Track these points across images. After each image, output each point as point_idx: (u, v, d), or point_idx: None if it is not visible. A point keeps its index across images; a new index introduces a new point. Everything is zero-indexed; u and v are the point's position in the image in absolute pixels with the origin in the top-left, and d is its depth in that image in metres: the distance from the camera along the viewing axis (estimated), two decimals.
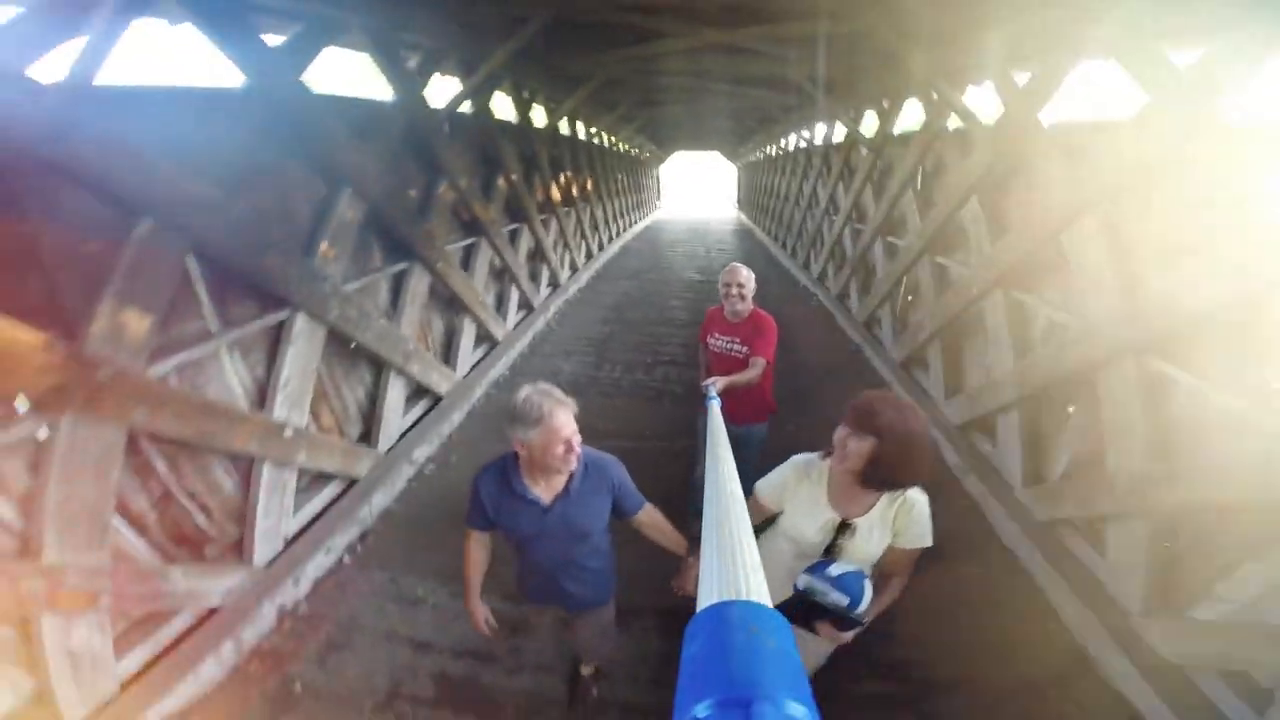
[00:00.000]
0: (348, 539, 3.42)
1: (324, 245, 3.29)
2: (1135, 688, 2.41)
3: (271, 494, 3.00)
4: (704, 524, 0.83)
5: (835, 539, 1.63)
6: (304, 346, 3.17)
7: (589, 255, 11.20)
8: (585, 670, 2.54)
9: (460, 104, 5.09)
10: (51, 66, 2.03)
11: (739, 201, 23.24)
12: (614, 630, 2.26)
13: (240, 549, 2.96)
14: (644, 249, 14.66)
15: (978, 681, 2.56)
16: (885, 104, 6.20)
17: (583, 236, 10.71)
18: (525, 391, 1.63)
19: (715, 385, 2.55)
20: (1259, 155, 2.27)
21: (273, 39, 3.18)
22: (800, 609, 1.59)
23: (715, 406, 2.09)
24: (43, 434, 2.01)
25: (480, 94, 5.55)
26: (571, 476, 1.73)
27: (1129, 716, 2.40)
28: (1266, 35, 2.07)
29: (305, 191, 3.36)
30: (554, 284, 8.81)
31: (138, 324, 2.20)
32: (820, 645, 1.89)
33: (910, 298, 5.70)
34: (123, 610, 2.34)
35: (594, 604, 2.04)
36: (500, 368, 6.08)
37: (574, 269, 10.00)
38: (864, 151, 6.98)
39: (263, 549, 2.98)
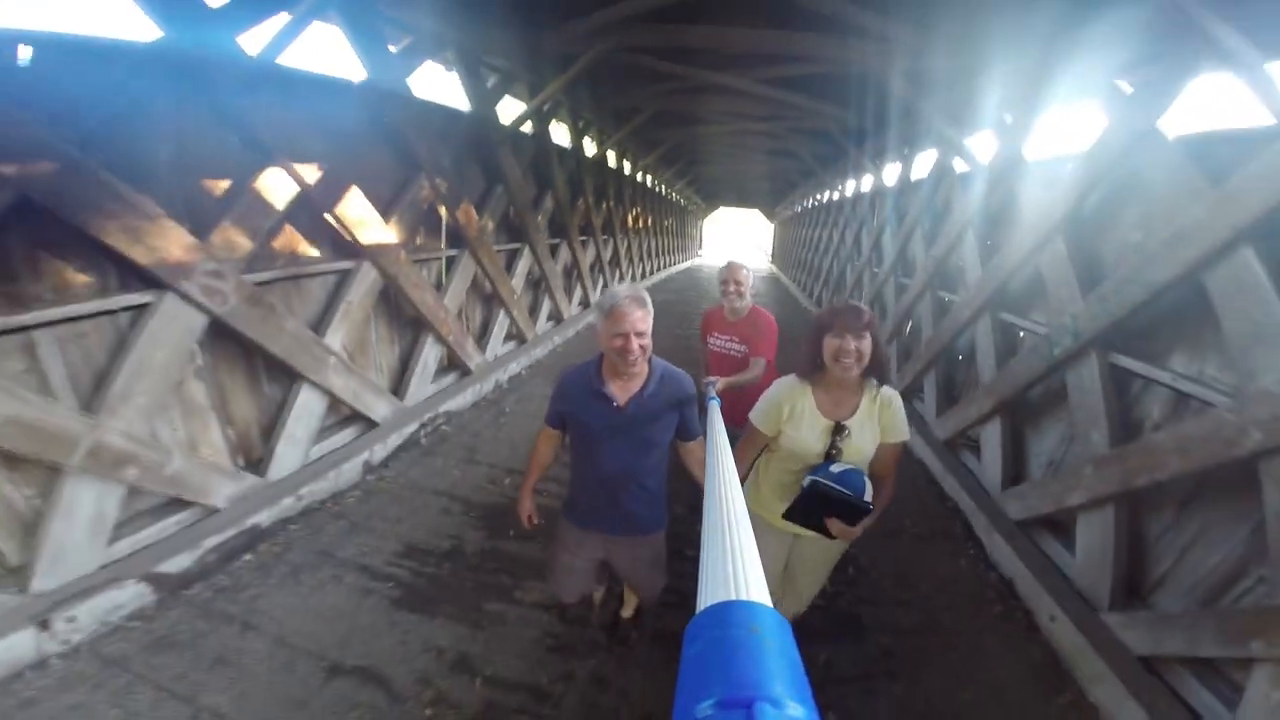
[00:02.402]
0: (523, 365, 6.38)
1: (539, 216, 6.34)
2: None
3: (499, 327, 5.90)
4: (704, 525, 0.82)
5: (833, 441, 1.72)
6: (525, 262, 6.25)
7: (644, 275, 14.20)
8: (626, 613, 2.51)
9: (595, 155, 8.30)
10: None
11: (773, 255, 26.20)
12: (664, 562, 2.10)
13: (481, 350, 5.72)
14: (684, 279, 17.75)
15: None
16: (905, 152, 6.85)
17: (643, 258, 13.78)
18: (615, 287, 1.68)
19: (715, 385, 2.47)
20: None
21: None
22: (809, 510, 1.69)
23: (715, 407, 2.01)
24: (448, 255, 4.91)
25: (612, 151, 8.85)
26: (646, 383, 1.72)
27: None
28: None
29: (528, 188, 6.46)
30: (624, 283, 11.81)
31: (487, 224, 5.21)
32: (828, 553, 2.04)
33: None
34: (455, 345, 4.97)
35: (648, 530, 1.96)
36: (591, 316, 9.28)
37: (636, 280, 13.00)
38: (842, 205, 9.84)
39: (489, 354, 5.80)
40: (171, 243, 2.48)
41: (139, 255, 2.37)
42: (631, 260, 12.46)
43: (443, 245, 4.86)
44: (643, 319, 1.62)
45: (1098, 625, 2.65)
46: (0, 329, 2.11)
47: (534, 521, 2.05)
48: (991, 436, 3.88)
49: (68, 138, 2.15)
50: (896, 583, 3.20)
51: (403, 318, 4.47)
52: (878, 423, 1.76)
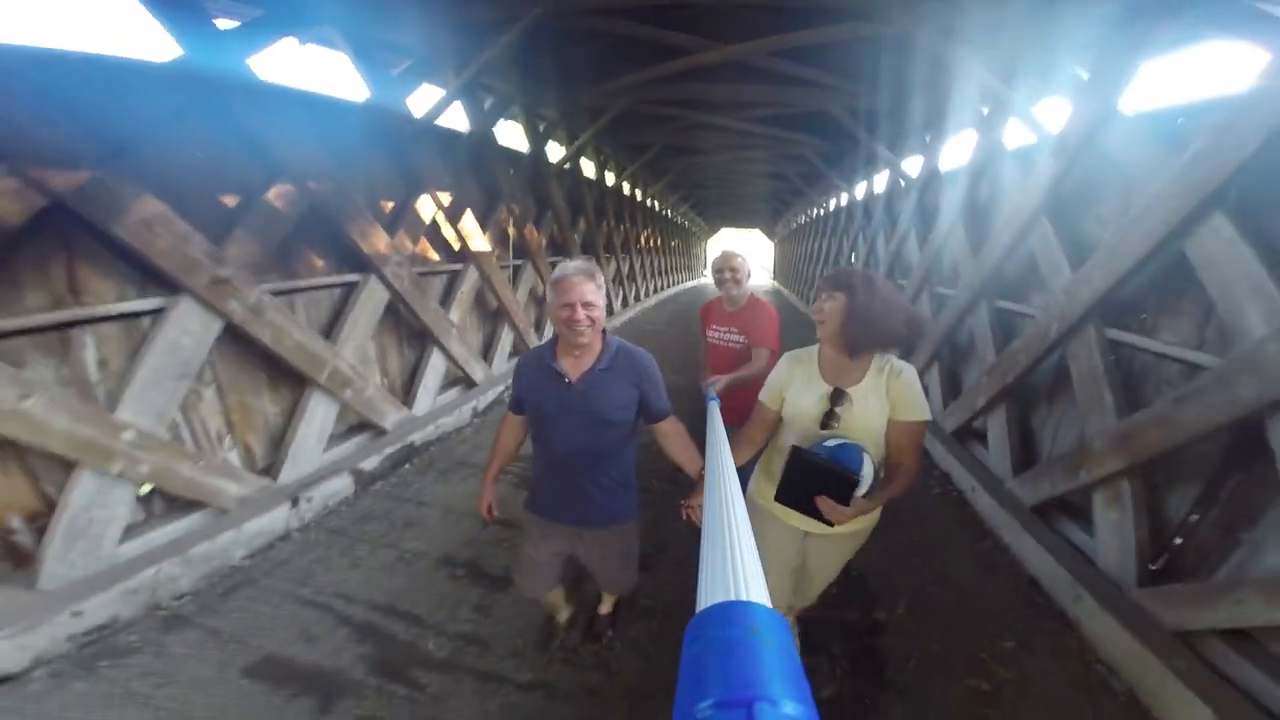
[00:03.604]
0: None
1: (576, 236, 7.75)
2: None
3: (549, 324, 7.21)
4: (704, 526, 0.82)
5: (832, 407, 1.61)
6: None
7: (655, 290, 15.64)
8: (603, 609, 2.41)
9: (614, 185, 9.79)
10: None
11: (775, 271, 27.66)
12: (636, 558, 2.03)
13: (539, 339, 7.04)
14: (690, 296, 19.11)
15: None
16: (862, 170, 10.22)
17: (655, 274, 15.24)
18: (565, 262, 1.64)
19: (716, 385, 2.39)
20: None
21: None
22: (795, 486, 1.55)
23: (715, 408, 1.95)
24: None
25: (626, 181, 10.32)
26: (599, 358, 1.68)
27: None
28: None
29: (567, 214, 7.87)
30: (638, 298, 13.21)
31: (542, 242, 6.60)
32: (842, 551, 1.88)
33: None
34: (523, 333, 6.34)
35: (614, 519, 1.87)
36: (625, 317, 10.99)
37: (648, 294, 14.42)
38: (827, 219, 11.22)
39: None
40: (379, 241, 3.85)
41: (365, 247, 3.72)
42: (646, 276, 13.91)
43: (510, 257, 6.25)
44: (592, 291, 1.59)
45: (1003, 491, 3.71)
46: (284, 290, 3.37)
47: (494, 514, 1.94)
48: (932, 375, 5.10)
49: (343, 168, 3.51)
50: None
51: (485, 310, 5.81)
52: (886, 395, 1.60)
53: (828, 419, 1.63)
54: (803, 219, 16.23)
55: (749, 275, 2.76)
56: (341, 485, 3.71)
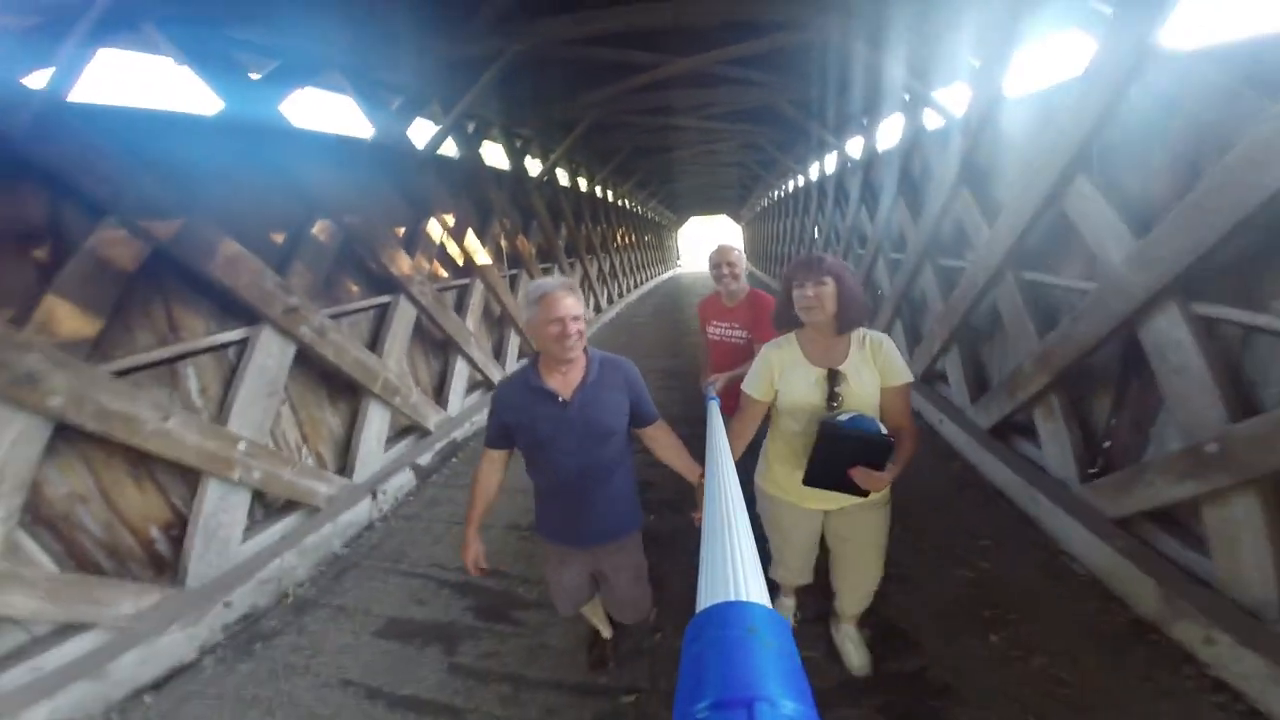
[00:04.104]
0: None
1: (560, 241, 8.28)
2: None
3: None
4: (704, 526, 0.82)
5: (832, 389, 1.65)
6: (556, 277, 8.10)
7: (635, 285, 16.22)
8: (605, 633, 2.40)
9: (588, 190, 10.33)
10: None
11: (745, 254, 28.39)
12: (646, 576, 2.02)
13: None
14: (669, 287, 19.84)
15: None
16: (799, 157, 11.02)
17: (630, 271, 15.79)
18: (541, 280, 1.63)
19: (715, 384, 2.39)
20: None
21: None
22: (827, 464, 1.57)
23: (715, 407, 1.95)
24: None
25: (599, 185, 10.85)
26: (588, 371, 1.67)
27: None
28: None
29: (549, 222, 8.40)
30: (621, 294, 13.76)
31: (532, 250, 7.11)
32: (871, 529, 1.93)
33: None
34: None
35: (624, 531, 1.86)
36: (613, 313, 11.47)
37: (628, 290, 14.98)
38: (785, 201, 11.96)
39: None
40: (404, 264, 4.33)
41: (394, 270, 4.19)
42: (626, 272, 14.48)
43: (506, 267, 6.74)
44: (575, 304, 1.59)
45: (964, 419, 4.37)
46: (335, 314, 3.81)
47: (482, 568, 1.82)
48: (896, 330, 5.80)
49: (365, 200, 3.96)
50: None
51: (491, 318, 6.31)
52: (874, 366, 1.69)
53: (831, 399, 1.67)
54: (765, 202, 16.96)
55: (745, 268, 2.74)
56: (405, 479, 4.22)
